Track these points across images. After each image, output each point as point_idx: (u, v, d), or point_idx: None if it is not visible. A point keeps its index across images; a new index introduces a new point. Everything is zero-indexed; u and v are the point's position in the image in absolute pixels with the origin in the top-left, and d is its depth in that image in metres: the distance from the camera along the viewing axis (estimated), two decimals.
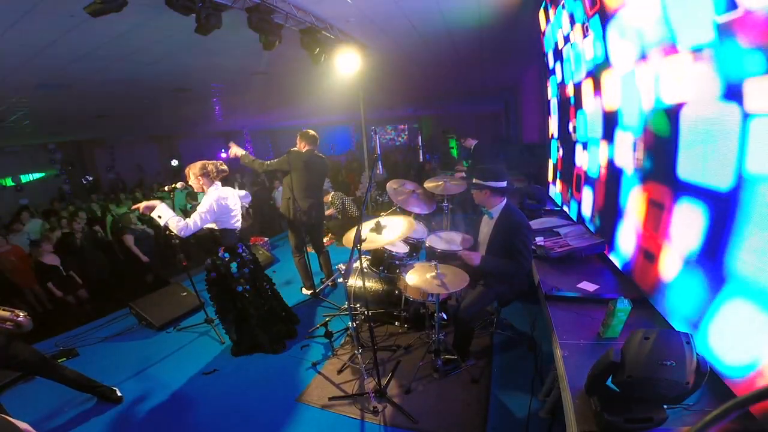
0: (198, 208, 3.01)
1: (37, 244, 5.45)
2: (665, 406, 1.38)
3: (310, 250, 4.60)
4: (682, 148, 1.78)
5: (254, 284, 3.36)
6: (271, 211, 8.55)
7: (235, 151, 4.11)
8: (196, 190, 3.20)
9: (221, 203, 3.05)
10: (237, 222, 3.24)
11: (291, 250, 4.47)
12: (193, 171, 3.13)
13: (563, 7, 3.36)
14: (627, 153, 2.42)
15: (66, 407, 2.89)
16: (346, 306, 3.67)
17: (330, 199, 6.29)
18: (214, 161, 3.19)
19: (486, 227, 2.93)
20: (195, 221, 2.95)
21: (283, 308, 3.73)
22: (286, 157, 4.03)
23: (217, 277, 3.21)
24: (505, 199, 2.82)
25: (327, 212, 5.89)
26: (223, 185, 3.23)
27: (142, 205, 3.02)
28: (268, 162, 4.13)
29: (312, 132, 4.26)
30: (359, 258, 2.78)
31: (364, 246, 2.63)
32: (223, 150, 17.92)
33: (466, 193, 3.69)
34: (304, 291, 4.53)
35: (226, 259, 3.18)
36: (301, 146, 4.19)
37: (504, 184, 2.77)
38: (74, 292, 5.44)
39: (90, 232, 6.82)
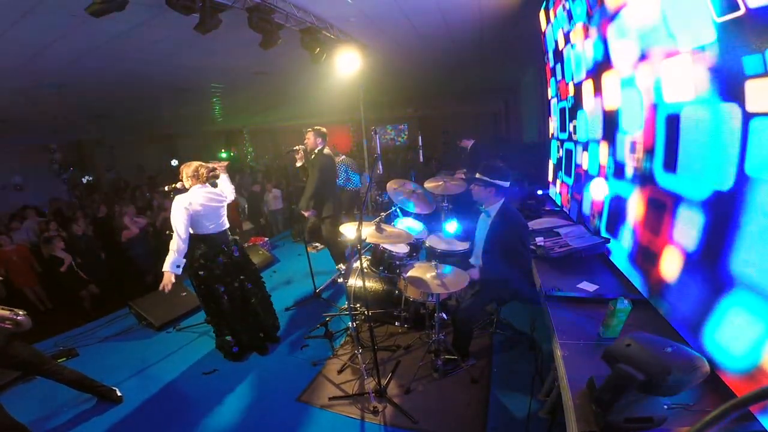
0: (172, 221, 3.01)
1: (49, 241, 5.50)
2: (665, 406, 1.38)
3: (311, 249, 4.61)
4: (683, 149, 1.78)
5: (235, 281, 3.33)
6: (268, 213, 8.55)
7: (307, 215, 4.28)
8: (187, 188, 3.19)
9: (185, 213, 2.99)
10: (210, 228, 3.16)
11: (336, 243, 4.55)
12: (186, 171, 3.15)
13: (563, 7, 3.36)
14: (626, 153, 2.42)
15: (66, 407, 2.89)
16: (346, 306, 3.67)
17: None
18: (208, 164, 3.19)
19: (483, 226, 2.92)
20: (177, 235, 2.95)
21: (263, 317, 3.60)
22: (321, 162, 4.13)
23: (204, 276, 3.20)
24: (503, 199, 2.82)
25: None
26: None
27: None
28: (309, 185, 4.21)
29: (324, 129, 4.36)
30: (359, 258, 2.79)
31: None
32: (223, 150, 17.94)
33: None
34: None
35: (208, 257, 3.17)
36: (318, 143, 4.25)
37: (508, 183, 2.78)
38: (86, 286, 5.49)
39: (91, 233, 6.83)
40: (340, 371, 3.06)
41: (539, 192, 4.79)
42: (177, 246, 2.95)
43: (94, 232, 6.57)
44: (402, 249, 3.59)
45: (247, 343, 3.41)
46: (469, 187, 3.06)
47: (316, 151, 4.25)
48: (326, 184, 4.34)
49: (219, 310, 3.29)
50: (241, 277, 3.38)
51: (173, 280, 2.97)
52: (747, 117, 1.33)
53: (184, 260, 3.01)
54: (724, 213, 1.48)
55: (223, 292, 3.24)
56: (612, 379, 1.36)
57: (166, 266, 2.94)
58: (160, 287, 2.95)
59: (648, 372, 1.26)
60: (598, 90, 2.83)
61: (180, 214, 2.97)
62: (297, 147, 4.24)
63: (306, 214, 4.35)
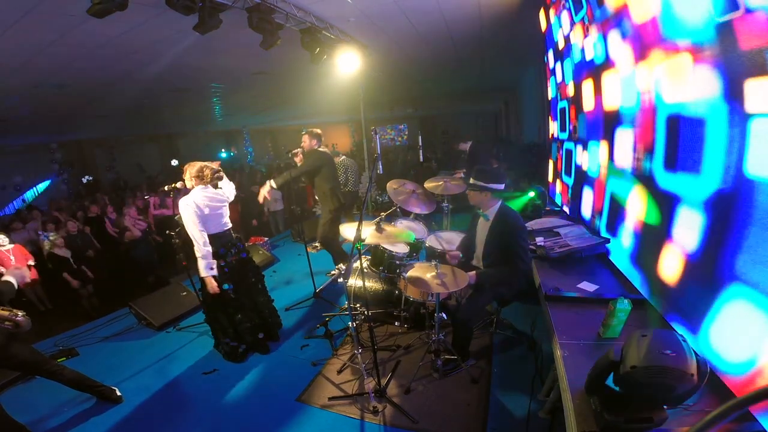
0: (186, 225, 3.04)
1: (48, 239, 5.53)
2: (665, 406, 1.38)
3: (311, 249, 4.61)
4: (683, 148, 1.78)
5: (242, 280, 3.34)
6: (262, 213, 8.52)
7: (265, 192, 4.20)
8: (188, 188, 3.19)
9: (194, 215, 2.98)
10: (214, 228, 3.16)
11: (324, 239, 4.62)
12: (189, 171, 3.13)
13: (563, 6, 3.36)
14: (627, 153, 2.42)
15: (66, 407, 2.89)
16: (346, 306, 3.66)
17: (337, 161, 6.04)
18: (212, 165, 3.18)
19: (482, 229, 2.92)
20: (197, 242, 3.01)
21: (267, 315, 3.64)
22: (312, 156, 4.31)
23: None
24: (500, 201, 2.82)
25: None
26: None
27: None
28: (295, 169, 4.31)
29: (318, 130, 4.53)
30: (359, 258, 2.78)
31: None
32: (223, 150, 17.95)
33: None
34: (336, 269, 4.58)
35: (216, 256, 3.16)
36: (313, 144, 4.41)
37: (503, 186, 2.78)
38: (85, 285, 5.52)
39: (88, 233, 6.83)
40: (340, 371, 3.06)
41: (531, 194, 4.77)
42: (202, 252, 3.00)
43: (92, 231, 6.57)
44: (402, 249, 3.59)
45: (249, 343, 3.41)
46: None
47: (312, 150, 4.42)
48: (324, 181, 4.41)
49: (222, 310, 3.28)
50: (249, 276, 3.39)
51: (215, 282, 3.07)
52: (746, 117, 1.33)
53: (214, 261, 3.07)
54: (724, 213, 1.48)
55: (229, 290, 3.23)
56: (601, 356, 1.43)
57: (202, 273, 3.04)
58: (209, 289, 3.08)
59: (623, 356, 1.31)
60: (598, 90, 2.83)
61: (191, 217, 2.97)
62: (296, 150, 4.43)
63: (261, 188, 4.22)
